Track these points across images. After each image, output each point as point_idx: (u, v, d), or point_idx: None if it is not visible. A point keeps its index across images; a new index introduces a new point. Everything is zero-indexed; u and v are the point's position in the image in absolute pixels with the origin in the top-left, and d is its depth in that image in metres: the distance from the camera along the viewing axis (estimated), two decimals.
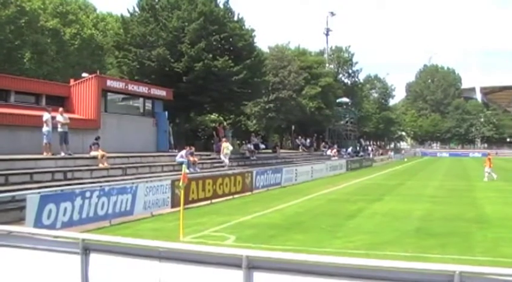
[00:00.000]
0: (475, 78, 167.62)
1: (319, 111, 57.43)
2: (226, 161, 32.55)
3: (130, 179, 20.78)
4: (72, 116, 23.87)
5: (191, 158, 27.79)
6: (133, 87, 28.50)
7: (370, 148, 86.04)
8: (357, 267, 5.35)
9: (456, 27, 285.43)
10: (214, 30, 36.30)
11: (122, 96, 29.71)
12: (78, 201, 15.10)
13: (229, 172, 27.29)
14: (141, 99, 30.23)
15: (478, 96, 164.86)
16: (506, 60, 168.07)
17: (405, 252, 11.98)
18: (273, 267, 5.52)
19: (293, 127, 61.03)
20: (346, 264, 5.41)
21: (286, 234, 14.59)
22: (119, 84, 27.68)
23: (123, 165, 23.89)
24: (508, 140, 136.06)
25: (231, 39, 37.93)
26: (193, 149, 29.19)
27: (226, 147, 33.14)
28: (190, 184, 19.74)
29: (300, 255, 5.80)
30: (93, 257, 6.14)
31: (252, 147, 39.39)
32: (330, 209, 20.41)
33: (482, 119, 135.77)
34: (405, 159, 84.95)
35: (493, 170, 36.79)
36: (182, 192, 15.03)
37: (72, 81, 26.77)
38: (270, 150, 46.10)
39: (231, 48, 37.96)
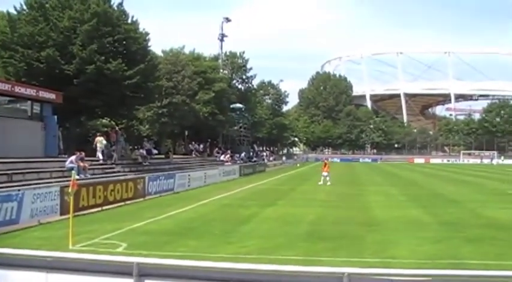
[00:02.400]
0: (366, 86, 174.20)
1: (212, 117, 57.46)
2: (101, 156, 32.10)
3: (16, 186, 19.86)
4: None
5: (81, 164, 26.98)
6: (20, 90, 27.12)
7: (264, 153, 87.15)
8: (249, 272, 5.40)
9: (348, 35, 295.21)
10: (108, 32, 35.48)
11: (7, 98, 28.37)
12: None
13: (121, 178, 26.79)
14: (28, 102, 28.95)
15: (368, 103, 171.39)
16: (395, 70, 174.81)
17: (297, 256, 12.22)
18: (165, 274, 5.48)
19: (186, 132, 60.72)
20: (238, 269, 5.45)
21: (179, 241, 14.47)
22: (4, 86, 26.28)
23: (9, 171, 22.79)
24: (396, 145, 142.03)
25: (124, 42, 37.23)
26: (83, 154, 28.32)
27: (100, 141, 32.75)
28: (80, 190, 19.17)
29: (191, 262, 5.79)
30: None
31: (144, 152, 38.81)
32: (223, 215, 20.46)
33: (372, 126, 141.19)
34: (298, 165, 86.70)
35: (329, 174, 38.32)
36: (72, 199, 14.56)
37: None
38: (163, 156, 45.66)
39: (125, 51, 37.24)
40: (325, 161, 41.71)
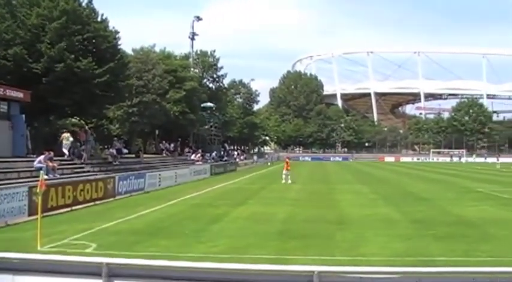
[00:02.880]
0: (337, 85, 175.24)
1: (183, 116, 57.18)
2: (67, 152, 31.87)
3: None
4: None
5: (50, 164, 26.63)
6: None
7: (236, 153, 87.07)
8: (220, 271, 5.38)
9: (319, 34, 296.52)
10: (77, 30, 35.04)
11: None
12: None
13: (91, 178, 26.51)
14: None
15: (339, 102, 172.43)
16: (366, 69, 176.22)
17: (268, 255, 12.22)
18: (135, 274, 5.43)
19: (157, 131, 60.39)
20: (209, 269, 5.43)
21: (149, 240, 14.36)
22: None
23: None
24: (366, 144, 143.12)
25: (94, 41, 36.85)
26: (52, 154, 27.95)
27: (66, 138, 32.57)
28: (49, 191, 18.91)
29: (162, 262, 5.75)
30: None
31: (114, 152, 38.49)
32: (193, 214, 20.38)
33: (342, 125, 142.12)
34: (269, 164, 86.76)
35: (289, 172, 38.66)
36: (40, 199, 14.34)
37: None
38: (133, 155, 45.30)
39: (94, 49, 36.87)
40: (286, 159, 42.01)
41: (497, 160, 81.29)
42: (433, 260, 11.63)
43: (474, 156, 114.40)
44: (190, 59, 71.02)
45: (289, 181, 37.81)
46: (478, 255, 12.45)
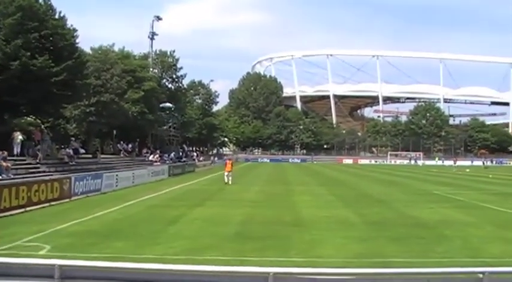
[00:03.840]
0: (296, 87, 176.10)
1: (142, 116, 56.67)
2: (16, 151, 31.60)
3: None
4: None
5: (4, 164, 26.15)
6: None
7: (195, 154, 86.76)
8: (175, 273, 5.34)
9: (279, 36, 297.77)
10: (34, 27, 34.38)
11: None
12: None
13: (46, 178, 26.03)
14: None
15: (298, 104, 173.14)
16: (325, 72, 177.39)
17: (224, 256, 12.23)
18: (88, 276, 5.35)
19: (115, 132, 59.74)
20: (164, 270, 5.38)
21: (105, 242, 14.18)
22: None
23: None
24: (325, 146, 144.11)
25: (51, 38, 36.22)
26: (6, 153, 27.45)
27: (16, 136, 32.27)
28: (2, 191, 18.56)
29: (116, 263, 5.67)
30: None
31: (71, 152, 37.95)
32: (151, 215, 20.22)
33: (301, 126, 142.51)
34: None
35: (231, 174, 39.01)
36: None
37: None
38: (90, 155, 44.76)
39: (51, 47, 36.24)
40: (228, 160, 42.16)
41: (455, 163, 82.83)
42: (388, 261, 11.75)
43: (436, 159, 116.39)
44: (150, 59, 70.44)
45: (230, 182, 37.97)
46: (433, 256, 12.67)
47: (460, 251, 13.46)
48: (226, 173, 38.98)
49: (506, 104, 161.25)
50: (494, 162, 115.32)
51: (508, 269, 5.82)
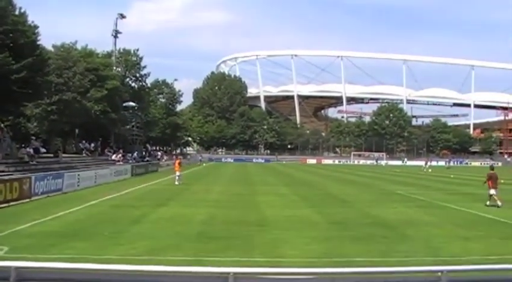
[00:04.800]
0: (260, 87, 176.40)
1: (104, 115, 56.11)
2: None
3: None
4: None
5: None
6: None
7: (159, 153, 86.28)
8: (136, 274, 5.28)
9: (244, 36, 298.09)
10: None
11: None
12: None
13: (5, 178, 25.56)
14: None
15: (262, 104, 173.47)
16: (289, 72, 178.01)
17: (186, 257, 12.17)
18: (46, 278, 5.25)
19: (77, 131, 59.04)
20: (125, 271, 5.31)
21: (65, 243, 13.94)
22: None
23: None
24: (289, 146, 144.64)
25: (11, 35, 35.62)
26: None
27: None
28: None
29: (75, 264, 5.57)
30: None
31: (31, 151, 37.30)
32: (113, 215, 20.00)
33: (265, 126, 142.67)
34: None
35: (181, 174, 39.34)
36: None
37: None
38: (51, 155, 44.07)
39: (11, 44, 35.64)
40: (177, 160, 42.24)
41: (426, 164, 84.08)
42: (350, 261, 11.81)
43: (405, 160, 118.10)
44: (113, 58, 69.70)
45: (176, 182, 38.10)
46: (395, 255, 12.78)
47: (421, 250, 13.61)
48: (178, 173, 39.03)
49: (468, 105, 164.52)
50: (455, 162, 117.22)
51: (466, 267, 5.90)
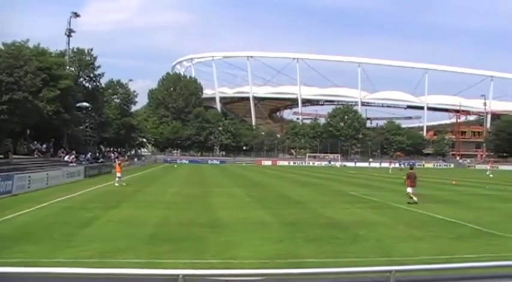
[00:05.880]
0: (216, 88, 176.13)
1: (57, 115, 55.15)
2: None
3: None
4: None
5: None
6: None
7: (113, 154, 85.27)
8: (86, 277, 5.22)
9: (200, 37, 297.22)
10: None
11: None
12: None
13: None
14: None
15: (218, 105, 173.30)
16: (245, 73, 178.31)
17: (138, 259, 12.09)
18: None
19: (28, 131, 57.94)
20: (76, 274, 5.25)
21: (15, 246, 13.65)
22: None
23: None
24: (244, 148, 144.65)
25: None
26: None
27: None
28: None
29: (25, 268, 5.49)
30: None
31: None
32: (64, 218, 19.64)
33: (220, 128, 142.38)
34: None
35: (121, 175, 39.65)
36: None
37: None
38: (1, 156, 43.23)
39: None
40: (119, 161, 42.12)
41: (390, 164, 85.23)
42: (303, 262, 11.90)
43: (371, 160, 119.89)
44: (66, 57, 68.59)
45: (116, 184, 38.03)
46: (347, 256, 12.95)
47: (373, 250, 13.81)
48: (118, 174, 39.03)
49: (421, 108, 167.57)
50: (404, 164, 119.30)
51: (414, 267, 6.01)
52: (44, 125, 55.60)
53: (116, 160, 42.06)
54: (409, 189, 27.18)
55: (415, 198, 26.40)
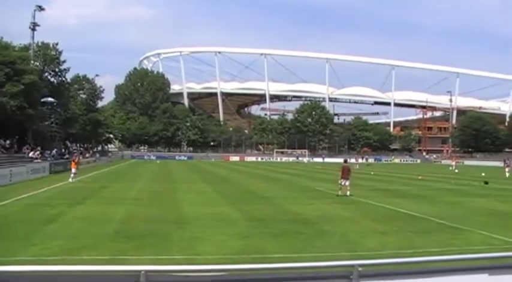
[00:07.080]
0: (183, 83, 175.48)
1: (21, 111, 54.29)
2: None
3: None
4: None
5: None
6: None
7: (80, 150, 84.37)
8: (48, 274, 5.12)
9: (167, 32, 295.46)
10: None
11: None
12: None
13: None
14: None
15: (186, 101, 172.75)
16: (213, 69, 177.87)
17: (102, 256, 11.94)
18: None
19: None
20: (36, 272, 5.14)
21: None
22: None
23: None
24: (212, 143, 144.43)
25: None
26: None
27: None
28: None
29: None
30: None
31: None
32: (26, 215, 19.28)
33: (188, 124, 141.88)
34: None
35: (76, 171, 39.40)
36: None
37: None
38: None
39: None
40: (73, 157, 41.93)
41: (356, 160, 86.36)
42: (269, 257, 11.89)
43: (354, 159, 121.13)
44: (31, 51, 67.48)
45: (71, 179, 37.62)
46: (312, 251, 12.97)
47: (338, 245, 13.88)
48: (73, 170, 38.88)
49: (388, 104, 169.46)
50: (374, 159, 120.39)
51: (378, 261, 6.01)
52: (8, 120, 54.69)
53: (73, 158, 41.55)
54: (341, 181, 28.41)
55: (348, 192, 28.02)
